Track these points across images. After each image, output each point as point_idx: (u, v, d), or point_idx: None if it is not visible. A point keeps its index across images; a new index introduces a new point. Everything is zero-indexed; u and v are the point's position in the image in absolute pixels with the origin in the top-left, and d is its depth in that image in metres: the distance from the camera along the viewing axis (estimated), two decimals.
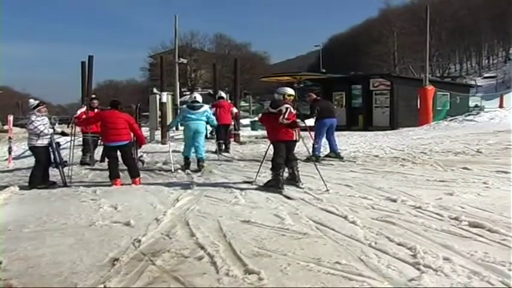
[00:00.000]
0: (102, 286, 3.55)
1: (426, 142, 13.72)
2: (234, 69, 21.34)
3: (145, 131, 16.78)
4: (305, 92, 56.87)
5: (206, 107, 10.84)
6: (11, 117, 15.10)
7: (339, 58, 73.29)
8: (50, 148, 8.73)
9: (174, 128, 13.92)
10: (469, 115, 21.96)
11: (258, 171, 8.27)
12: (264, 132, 14.53)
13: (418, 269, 3.63)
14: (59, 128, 9.60)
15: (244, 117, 32.90)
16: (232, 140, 16.19)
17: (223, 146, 13.76)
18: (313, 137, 10.76)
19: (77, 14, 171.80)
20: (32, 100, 8.93)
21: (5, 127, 15.51)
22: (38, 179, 8.55)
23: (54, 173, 8.93)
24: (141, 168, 9.87)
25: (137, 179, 8.60)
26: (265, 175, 8.10)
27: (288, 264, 3.83)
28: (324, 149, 11.63)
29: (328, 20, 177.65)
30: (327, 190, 7.03)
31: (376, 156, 11.25)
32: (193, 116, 10.41)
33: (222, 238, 4.66)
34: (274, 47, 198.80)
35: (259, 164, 8.57)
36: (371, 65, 65.88)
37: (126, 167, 8.83)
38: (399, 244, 4.22)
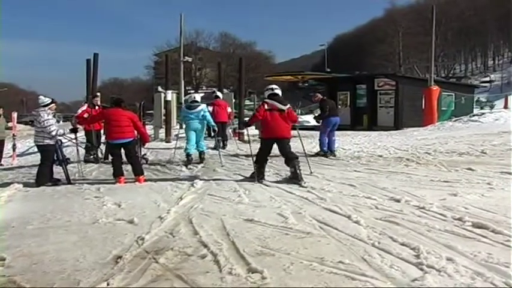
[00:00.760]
0: (105, 283, 3.56)
1: (430, 142, 13.68)
2: (239, 68, 21.33)
3: (149, 129, 16.80)
4: (309, 91, 56.87)
5: (203, 106, 11.45)
6: (15, 114, 15.08)
7: (343, 58, 73.27)
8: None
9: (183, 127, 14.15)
10: (473, 115, 21.88)
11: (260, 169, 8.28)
12: None
13: (421, 269, 3.62)
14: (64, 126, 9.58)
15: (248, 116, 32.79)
16: (236, 138, 16.25)
17: (221, 143, 14.32)
18: (320, 133, 11.69)
19: (81, 13, 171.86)
20: (42, 97, 8.77)
21: (9, 124, 15.49)
22: (46, 177, 8.53)
23: (58, 170, 8.95)
24: (145, 166, 9.90)
25: (141, 177, 8.60)
26: (269, 174, 8.10)
27: (291, 264, 3.83)
28: (316, 144, 12.32)
29: (333, 20, 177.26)
30: (311, 172, 8.16)
31: (380, 156, 11.23)
32: (192, 116, 11.14)
33: (225, 237, 4.66)
34: (279, 46, 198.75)
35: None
36: (376, 64, 65.85)
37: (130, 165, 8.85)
38: (402, 244, 4.21)
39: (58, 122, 9.08)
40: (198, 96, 11.87)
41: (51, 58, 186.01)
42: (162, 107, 18.51)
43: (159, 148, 14.71)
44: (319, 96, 12.52)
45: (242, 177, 8.55)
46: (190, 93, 18.34)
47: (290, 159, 7.97)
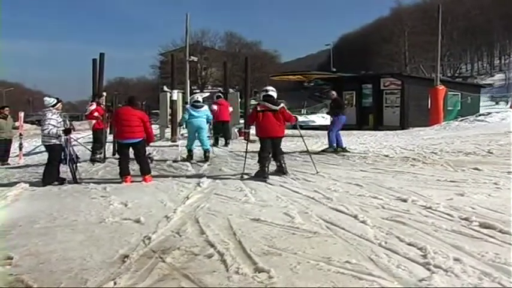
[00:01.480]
0: (113, 283, 3.57)
1: (437, 142, 13.63)
2: (244, 67, 21.36)
3: (155, 129, 16.83)
4: (315, 91, 56.76)
5: (206, 107, 12.39)
6: (21, 114, 15.14)
7: (349, 57, 73.16)
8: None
9: (184, 125, 14.47)
10: (480, 115, 21.78)
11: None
12: None
13: (428, 269, 3.60)
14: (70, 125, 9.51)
15: None
16: (242, 138, 16.31)
17: (224, 141, 15.58)
18: (329, 130, 12.43)
19: (87, 12, 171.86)
20: (47, 98, 8.76)
21: (16, 123, 15.55)
22: (54, 177, 8.57)
23: (64, 170, 8.97)
24: (151, 165, 9.90)
25: (147, 177, 8.61)
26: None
27: (298, 263, 3.83)
28: (322, 143, 12.98)
29: (339, 19, 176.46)
30: (317, 172, 8.58)
31: (387, 155, 11.19)
32: (196, 114, 11.78)
33: (232, 236, 4.66)
34: (284, 46, 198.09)
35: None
36: (382, 64, 65.70)
37: (137, 164, 8.86)
38: (409, 244, 4.19)
39: (65, 121, 9.00)
40: (200, 97, 12.79)
41: (56, 58, 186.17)
42: (167, 107, 18.55)
43: (165, 146, 14.73)
44: (335, 94, 13.28)
45: (248, 177, 8.56)
46: (195, 93, 18.61)
47: (278, 154, 8.80)
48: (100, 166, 10.96)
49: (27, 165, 12.12)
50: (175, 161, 11.53)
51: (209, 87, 72.10)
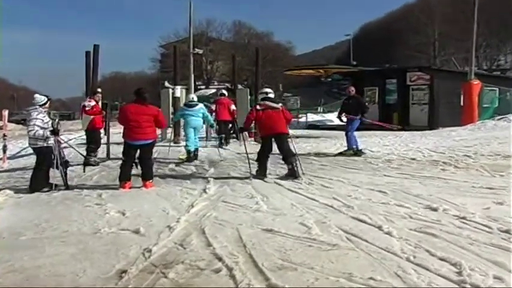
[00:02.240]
0: None
1: (471, 144, 13.55)
2: (255, 60, 21.38)
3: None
4: (333, 87, 56.63)
5: (201, 105, 13.20)
6: (5, 112, 14.89)
7: (371, 49, 72.77)
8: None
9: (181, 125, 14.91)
10: None
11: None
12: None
13: None
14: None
15: None
16: (252, 139, 16.38)
17: (224, 141, 16.36)
18: (347, 131, 12.59)
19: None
20: (38, 96, 8.79)
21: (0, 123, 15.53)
22: (42, 183, 8.54)
23: (54, 175, 8.98)
24: None
25: (148, 182, 8.60)
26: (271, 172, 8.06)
27: (316, 279, 3.81)
28: (341, 145, 13.25)
29: (360, 7, 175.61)
30: (303, 174, 9.00)
31: (414, 159, 11.17)
32: (190, 113, 12.70)
33: (242, 248, 4.66)
34: (299, 37, 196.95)
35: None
36: (408, 56, 65.22)
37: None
38: (441, 259, 4.16)
39: (54, 120, 8.99)
40: (195, 97, 13.99)
41: (44, 49, 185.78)
42: (170, 105, 18.57)
43: (167, 147, 14.75)
44: (353, 90, 13.37)
45: (259, 181, 8.58)
46: (200, 89, 18.96)
47: (288, 156, 9.05)
48: (95, 170, 10.99)
49: (12, 170, 12.15)
50: (178, 164, 11.56)
51: (215, 83, 72.28)
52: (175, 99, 18.33)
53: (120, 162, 9.01)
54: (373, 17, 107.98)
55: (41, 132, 8.42)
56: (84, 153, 11.76)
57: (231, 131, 18.73)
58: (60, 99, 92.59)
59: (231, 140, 17.44)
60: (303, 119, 31.00)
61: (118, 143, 10.72)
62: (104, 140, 13.39)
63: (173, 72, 21.82)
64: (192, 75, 23.78)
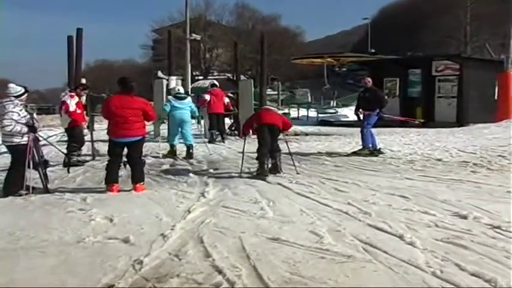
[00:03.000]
0: None
1: (505, 143, 13.50)
2: (260, 48, 21.35)
3: (148, 125, 16.93)
4: (348, 78, 56.58)
5: (189, 98, 13.93)
6: None
7: (392, 35, 72.68)
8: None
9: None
10: None
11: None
12: (294, 128, 16.66)
13: None
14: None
15: None
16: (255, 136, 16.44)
17: (219, 136, 16.93)
18: (363, 128, 12.69)
19: None
20: (13, 85, 8.68)
21: None
22: (18, 185, 8.46)
23: (33, 176, 9.00)
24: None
25: (139, 185, 8.59)
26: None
27: None
28: (357, 144, 13.43)
29: None
30: (297, 173, 9.72)
31: (440, 159, 11.16)
32: (179, 106, 13.19)
33: (245, 260, 4.66)
34: (309, 21, 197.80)
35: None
36: (434, 43, 65.01)
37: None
38: (473, 274, 4.15)
39: (32, 114, 8.94)
40: (181, 89, 14.56)
41: (20, 33, 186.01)
42: (163, 97, 18.57)
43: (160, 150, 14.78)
44: (370, 81, 13.35)
45: (264, 184, 8.59)
46: (198, 80, 19.06)
47: (274, 150, 10.01)
48: (78, 171, 11.00)
49: None
50: (173, 164, 11.57)
51: (215, 73, 72.29)
52: (170, 91, 18.33)
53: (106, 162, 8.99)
54: None
55: (18, 127, 8.36)
56: (66, 151, 11.76)
57: (233, 128, 18.83)
58: (38, 91, 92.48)
59: (232, 137, 17.77)
60: (313, 114, 31.00)
61: (105, 141, 10.72)
62: (87, 137, 13.42)
63: (167, 61, 21.83)
64: (189, 65, 23.87)
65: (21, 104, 8.67)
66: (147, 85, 25.74)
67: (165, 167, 11.31)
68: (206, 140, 16.11)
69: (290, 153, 10.59)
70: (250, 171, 10.01)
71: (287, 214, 6.45)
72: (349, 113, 32.23)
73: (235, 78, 24.82)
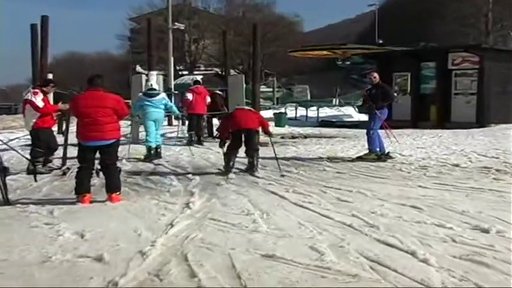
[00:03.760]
0: None
1: None
2: (252, 39, 21.40)
3: (124, 126, 16.92)
4: (352, 72, 56.76)
5: (163, 94, 14.62)
6: None
7: (402, 23, 72.85)
8: None
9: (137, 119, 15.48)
10: None
11: None
12: (292, 129, 18.35)
13: None
14: None
15: (266, 108, 32.90)
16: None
17: (196, 138, 17.35)
18: (368, 129, 12.73)
19: None
20: None
21: None
22: None
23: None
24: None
25: (115, 195, 8.53)
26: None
27: None
28: (362, 147, 13.69)
29: None
30: (282, 175, 10.36)
31: (457, 165, 11.20)
32: (150, 104, 13.87)
33: (236, 280, 4.66)
34: (309, 8, 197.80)
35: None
36: (451, 33, 64.97)
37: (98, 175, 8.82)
38: None
39: None
40: (155, 84, 14.94)
41: None
42: None
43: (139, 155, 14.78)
44: (377, 77, 13.16)
45: (256, 195, 8.59)
46: (182, 75, 19.30)
47: (251, 149, 10.92)
48: (45, 180, 10.95)
49: None
50: (153, 172, 11.56)
51: (201, 68, 72.28)
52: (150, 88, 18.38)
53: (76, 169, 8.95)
54: None
55: None
56: (30, 157, 11.68)
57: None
58: None
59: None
60: (313, 114, 31.04)
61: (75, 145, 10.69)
62: (59, 140, 13.37)
63: (147, 53, 21.84)
64: (172, 58, 23.89)
65: None
66: (124, 81, 25.69)
67: (144, 174, 11.28)
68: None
69: (276, 158, 11.44)
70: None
71: (283, 227, 6.45)
72: (353, 112, 32.35)
73: (224, 73, 24.85)
